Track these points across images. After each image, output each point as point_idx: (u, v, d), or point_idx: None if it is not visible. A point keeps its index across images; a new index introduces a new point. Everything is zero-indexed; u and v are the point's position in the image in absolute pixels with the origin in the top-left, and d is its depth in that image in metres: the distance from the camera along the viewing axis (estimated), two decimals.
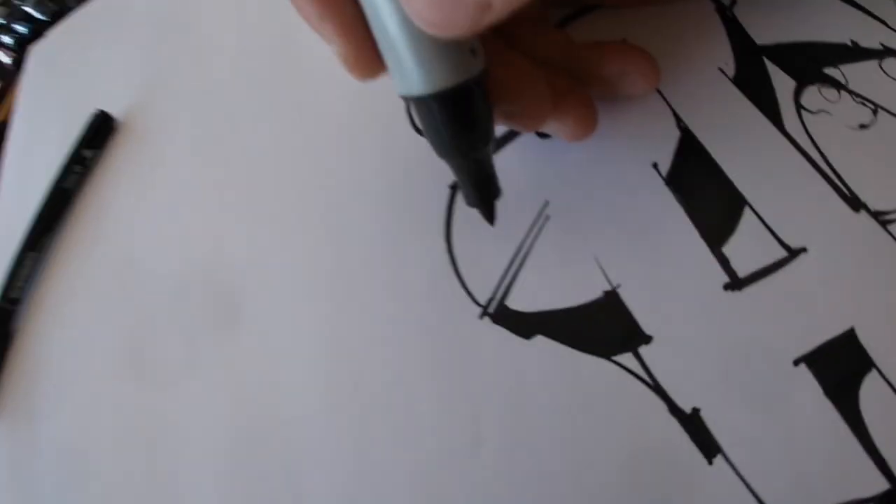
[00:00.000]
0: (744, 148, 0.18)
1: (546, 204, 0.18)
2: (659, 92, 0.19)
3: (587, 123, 0.17)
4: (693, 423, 0.16)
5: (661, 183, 0.18)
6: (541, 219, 0.18)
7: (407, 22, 0.12)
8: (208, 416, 0.18)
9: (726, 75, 0.19)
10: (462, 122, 0.13)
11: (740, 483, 0.16)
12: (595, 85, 0.18)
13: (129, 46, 0.26)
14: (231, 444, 0.18)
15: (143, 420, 0.19)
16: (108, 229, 0.22)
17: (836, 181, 0.18)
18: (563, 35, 0.18)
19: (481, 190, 0.16)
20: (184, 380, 0.19)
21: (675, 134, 0.19)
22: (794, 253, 0.17)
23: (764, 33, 0.20)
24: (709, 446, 0.16)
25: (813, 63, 0.20)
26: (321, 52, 0.15)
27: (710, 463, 0.16)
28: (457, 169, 0.15)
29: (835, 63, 0.20)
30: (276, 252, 0.20)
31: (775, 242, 0.17)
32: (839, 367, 0.16)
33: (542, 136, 0.19)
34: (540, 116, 0.16)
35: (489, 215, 0.17)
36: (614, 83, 0.18)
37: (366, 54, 0.13)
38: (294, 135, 0.21)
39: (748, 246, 0.17)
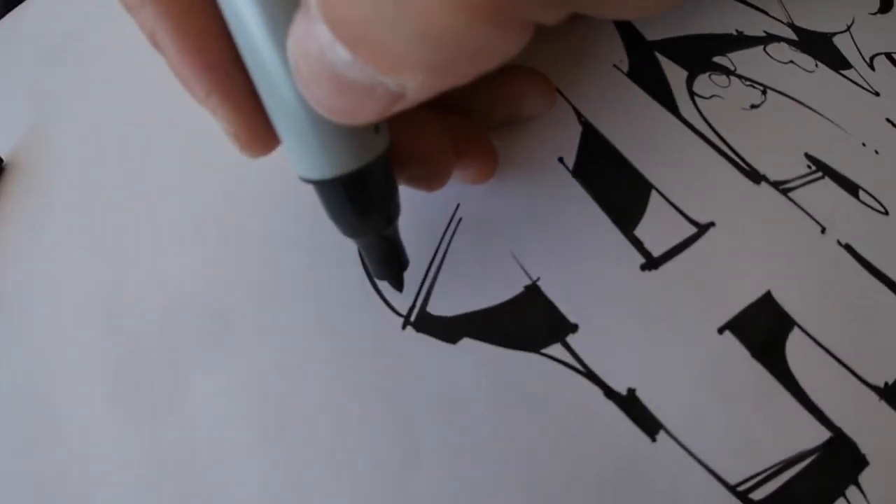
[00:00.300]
0: (644, 136, 0.22)
1: (458, 206, 0.21)
2: (559, 91, 0.22)
3: (489, 170, 0.19)
4: (631, 404, 0.18)
5: (568, 176, 0.21)
6: (454, 222, 0.21)
7: (306, 104, 0.11)
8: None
9: (621, 71, 0.23)
10: (367, 204, 0.14)
11: (687, 455, 0.18)
12: (497, 113, 0.20)
13: (14, 80, 0.28)
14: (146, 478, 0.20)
15: None
16: None
17: (735, 158, 0.22)
18: None
19: (390, 264, 0.17)
20: None
21: (578, 129, 0.22)
22: (703, 228, 0.20)
23: (653, 29, 0.24)
24: (650, 424, 0.18)
25: (702, 53, 0.24)
26: None
27: (654, 440, 0.18)
28: (363, 246, 0.16)
29: (723, 52, 0.24)
30: (182, 279, 0.22)
31: (684, 220, 0.20)
32: (762, 329, 0.19)
33: None
34: (445, 177, 0.17)
35: (398, 285, 0.19)
36: (516, 108, 0.20)
37: (258, 133, 0.14)
38: (193, 159, 0.24)
39: (659, 226, 0.20)
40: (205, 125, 0.24)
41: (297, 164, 0.13)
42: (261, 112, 0.13)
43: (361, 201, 0.14)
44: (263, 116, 0.13)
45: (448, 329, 0.20)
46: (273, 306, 0.21)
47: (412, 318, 0.20)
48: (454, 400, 0.19)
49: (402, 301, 0.20)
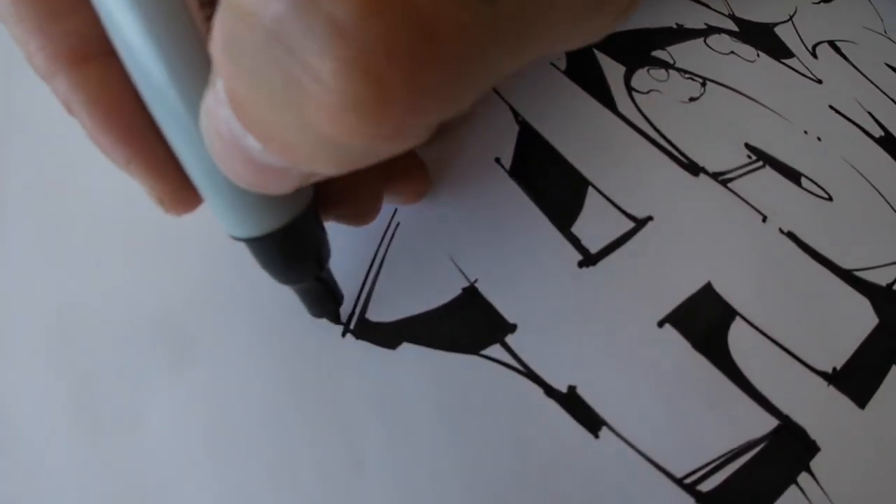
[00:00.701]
0: (581, 133, 0.22)
1: (395, 211, 0.21)
2: (496, 91, 0.23)
3: (421, 190, 0.19)
4: (572, 402, 0.18)
5: (505, 175, 0.21)
6: (391, 226, 0.21)
7: (224, 174, 0.11)
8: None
9: (559, 69, 0.23)
10: (296, 255, 0.14)
11: (631, 450, 0.18)
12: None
13: None
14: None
15: None
16: None
17: (674, 151, 0.22)
18: None
19: (325, 303, 0.18)
20: None
21: (514, 128, 0.22)
22: (640, 223, 0.20)
23: None
24: (592, 421, 0.18)
25: (641, 48, 0.24)
26: None
27: (597, 437, 0.18)
28: (297, 291, 0.17)
29: (662, 45, 0.24)
30: (120, 292, 0.21)
31: (621, 215, 0.20)
32: (703, 321, 0.19)
33: None
34: (374, 213, 0.18)
35: (335, 320, 0.19)
36: (445, 123, 0.22)
37: (181, 195, 0.13)
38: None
39: (596, 223, 0.20)
40: None
41: (223, 223, 0.13)
42: (182, 174, 0.13)
43: (290, 253, 0.14)
44: (185, 178, 0.13)
45: (388, 335, 0.20)
46: (212, 319, 0.21)
47: (352, 326, 0.20)
48: (396, 406, 0.19)
49: (342, 308, 0.20)
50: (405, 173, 0.19)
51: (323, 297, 0.18)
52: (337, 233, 0.18)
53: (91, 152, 0.23)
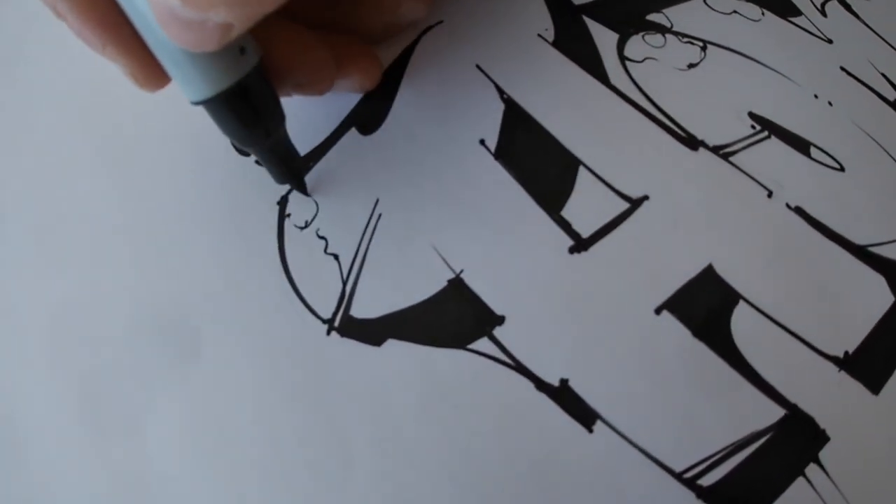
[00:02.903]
0: (570, 109, 0.21)
1: (377, 202, 0.20)
2: (479, 67, 0.22)
3: (372, 74, 0.21)
4: (564, 395, 0.18)
5: (490, 158, 0.20)
6: (373, 218, 0.20)
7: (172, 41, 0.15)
8: None
9: (546, 41, 0.22)
10: (249, 115, 0.17)
11: (627, 445, 0.17)
12: (375, 25, 0.21)
13: None
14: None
15: None
16: None
17: (670, 124, 0.21)
18: None
19: (287, 165, 0.19)
20: None
21: (499, 106, 0.21)
22: (636, 203, 0.20)
23: None
24: (585, 415, 0.18)
25: (635, 12, 0.23)
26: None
27: (591, 431, 0.17)
28: (259, 153, 0.19)
29: (658, 8, 0.23)
30: (103, 291, 0.21)
31: (615, 196, 0.20)
32: (704, 305, 0.18)
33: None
34: (326, 80, 0.19)
35: (301, 187, 0.20)
36: (392, 17, 0.21)
37: (150, 69, 0.17)
38: (107, 165, 0.23)
39: (587, 205, 0.19)
40: (150, 132, 0.24)
41: (182, 89, 0.16)
42: (149, 53, 0.16)
43: (244, 112, 0.17)
44: (152, 56, 0.16)
45: (372, 332, 0.19)
46: (196, 319, 0.21)
47: (336, 324, 0.19)
48: (383, 403, 0.19)
49: (327, 306, 0.19)
50: (356, 57, 0.21)
51: (285, 160, 0.19)
52: (320, 227, 0.20)
53: (91, 152, 0.23)
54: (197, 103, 0.16)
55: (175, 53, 0.15)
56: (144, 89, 0.17)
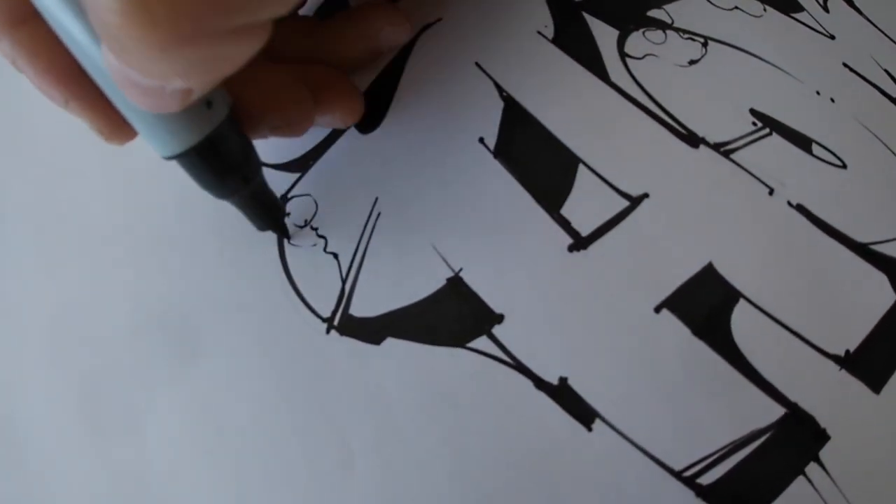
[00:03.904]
0: (570, 107, 0.21)
1: (376, 200, 0.20)
2: (478, 65, 0.22)
3: (353, 110, 0.20)
4: (563, 394, 0.18)
5: (489, 156, 0.20)
6: (372, 217, 0.20)
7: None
8: None
9: (546, 38, 0.22)
10: (221, 167, 0.17)
11: (626, 443, 0.17)
12: (357, 51, 0.21)
13: None
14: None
15: None
16: None
17: (671, 122, 0.21)
18: (310, 23, 0.21)
19: (267, 214, 0.19)
20: None
21: (499, 104, 0.21)
22: (635, 201, 0.19)
23: None
24: (584, 413, 0.18)
25: (635, 8, 0.23)
26: None
27: (590, 429, 0.17)
28: (236, 204, 0.18)
29: (658, 4, 0.23)
30: (103, 291, 0.21)
31: (615, 194, 0.20)
32: (704, 304, 0.18)
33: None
34: (304, 121, 0.19)
35: (283, 232, 0.20)
36: (374, 43, 0.21)
37: (115, 124, 0.16)
38: (107, 165, 0.23)
39: (587, 203, 0.19)
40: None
41: (150, 145, 0.16)
42: (114, 108, 0.15)
43: (218, 165, 0.17)
44: (117, 111, 0.16)
45: (372, 330, 0.19)
46: (196, 319, 0.21)
47: (335, 322, 0.19)
48: (382, 401, 0.19)
49: (326, 305, 0.20)
50: (336, 92, 0.20)
51: (265, 209, 0.19)
52: (319, 226, 0.20)
53: (92, 152, 0.23)
54: (167, 158, 0.16)
55: (139, 111, 0.15)
56: (111, 143, 0.17)
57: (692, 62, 0.22)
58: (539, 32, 0.22)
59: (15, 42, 0.15)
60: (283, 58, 0.19)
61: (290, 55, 0.20)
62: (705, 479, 0.17)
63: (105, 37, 0.11)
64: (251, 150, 0.18)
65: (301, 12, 0.22)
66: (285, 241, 0.20)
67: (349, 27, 0.21)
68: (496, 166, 0.20)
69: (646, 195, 0.20)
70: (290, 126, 0.19)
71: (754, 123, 0.21)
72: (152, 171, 0.23)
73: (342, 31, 0.21)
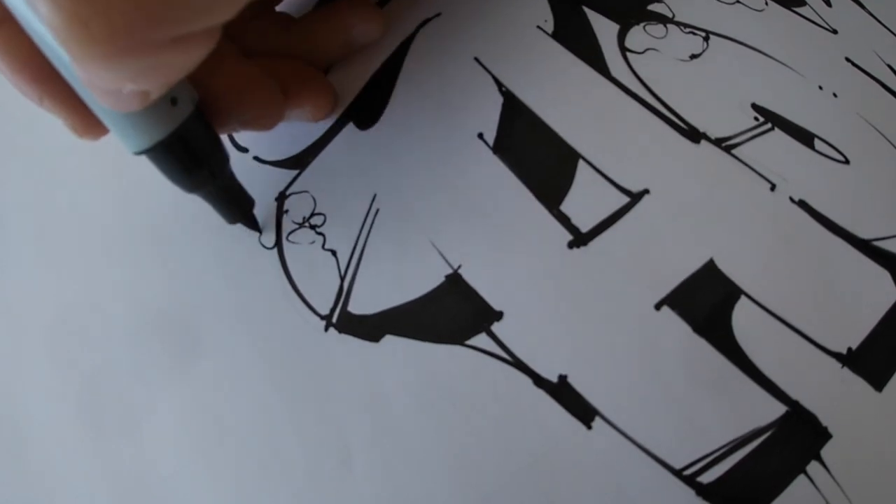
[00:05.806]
0: (570, 102, 0.20)
1: (374, 197, 0.20)
2: (477, 60, 0.21)
3: (324, 104, 0.21)
4: (563, 392, 0.18)
5: (488, 152, 0.20)
6: (371, 213, 0.20)
7: None
8: None
9: (545, 32, 0.22)
10: (188, 163, 0.17)
11: (626, 441, 0.17)
12: (331, 47, 0.21)
13: None
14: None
15: None
16: None
17: (672, 117, 0.20)
18: (284, 19, 0.21)
19: (235, 207, 0.20)
20: None
21: (498, 100, 0.21)
22: (636, 197, 0.19)
23: None
24: (584, 411, 0.17)
25: (636, 2, 0.22)
26: None
27: (590, 427, 0.17)
28: (206, 197, 0.19)
29: None
30: (103, 291, 0.21)
31: (615, 190, 0.19)
32: (705, 301, 0.18)
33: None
34: (274, 115, 0.19)
35: (253, 225, 0.20)
36: (347, 38, 0.21)
37: (87, 122, 0.17)
38: (106, 165, 0.23)
39: (587, 199, 0.19)
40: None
41: (120, 141, 0.16)
42: (86, 105, 0.16)
43: (184, 159, 0.17)
44: (89, 109, 0.16)
45: (370, 327, 0.19)
46: (196, 318, 0.21)
47: (334, 320, 0.19)
48: (381, 399, 0.19)
49: (325, 302, 0.19)
50: (306, 86, 0.20)
51: (233, 201, 0.19)
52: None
53: (92, 152, 0.23)
54: (136, 154, 0.17)
55: (106, 109, 0.15)
56: (84, 139, 0.17)
57: (693, 57, 0.22)
58: (539, 27, 0.22)
59: None
60: (257, 53, 0.19)
61: (264, 50, 0.20)
62: (706, 478, 0.17)
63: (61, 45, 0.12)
64: (218, 145, 0.18)
65: (279, 9, 0.22)
66: (284, 238, 0.20)
67: (322, 23, 0.21)
68: (495, 162, 0.20)
69: (646, 191, 0.19)
70: (258, 120, 0.19)
71: (756, 118, 0.21)
72: (152, 171, 0.22)
73: (316, 26, 0.21)
